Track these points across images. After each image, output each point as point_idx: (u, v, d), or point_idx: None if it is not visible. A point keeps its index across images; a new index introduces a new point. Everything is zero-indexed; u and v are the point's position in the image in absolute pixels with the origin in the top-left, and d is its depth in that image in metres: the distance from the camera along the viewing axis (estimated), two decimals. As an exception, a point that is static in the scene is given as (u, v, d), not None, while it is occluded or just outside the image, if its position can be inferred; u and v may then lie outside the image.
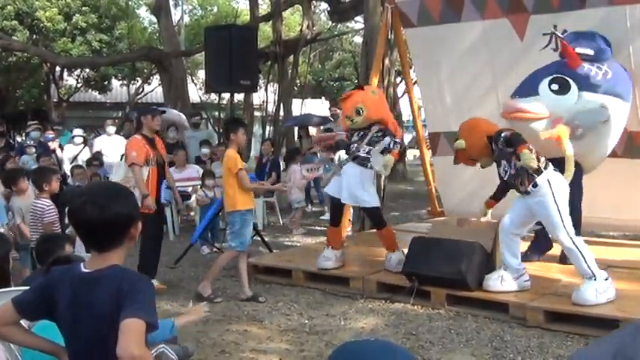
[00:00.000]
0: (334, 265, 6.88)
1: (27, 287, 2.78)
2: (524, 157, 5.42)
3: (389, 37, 9.14)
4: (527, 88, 6.31)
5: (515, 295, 5.73)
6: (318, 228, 10.67)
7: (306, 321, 5.75)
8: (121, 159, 10.40)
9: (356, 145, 6.67)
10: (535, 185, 5.54)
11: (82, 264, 2.43)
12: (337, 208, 7.00)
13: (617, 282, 5.87)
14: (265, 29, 23.72)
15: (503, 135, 5.68)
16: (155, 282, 6.70)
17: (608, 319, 5.04)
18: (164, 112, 8.27)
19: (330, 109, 18.64)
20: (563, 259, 6.67)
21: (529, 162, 5.40)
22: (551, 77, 6.26)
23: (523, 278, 5.85)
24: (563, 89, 6.20)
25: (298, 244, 9.25)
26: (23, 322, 2.58)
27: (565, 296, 5.63)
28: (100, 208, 2.31)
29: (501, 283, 5.80)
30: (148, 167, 6.75)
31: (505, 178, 5.87)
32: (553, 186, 5.49)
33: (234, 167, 6.37)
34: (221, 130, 16.95)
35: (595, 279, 5.36)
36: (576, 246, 5.43)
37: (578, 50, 6.32)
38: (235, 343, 5.23)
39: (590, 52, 6.38)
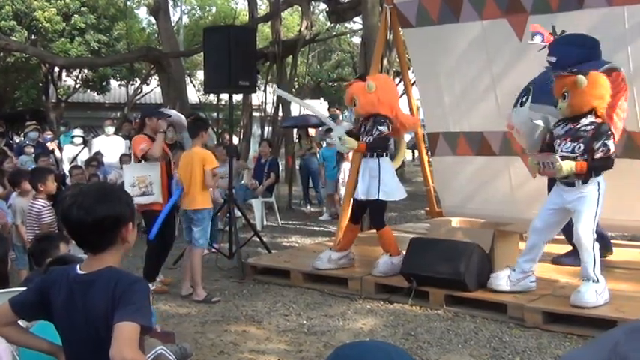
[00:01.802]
0: (324, 265, 6.87)
1: (25, 287, 2.79)
2: (567, 170, 5.32)
3: (387, 37, 9.14)
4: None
5: (514, 296, 5.73)
6: (317, 229, 10.67)
7: (305, 321, 5.75)
8: (120, 161, 10.45)
9: (361, 137, 6.74)
10: (585, 182, 5.43)
11: (77, 265, 2.43)
12: (357, 206, 6.92)
13: (616, 282, 5.89)
14: (264, 30, 23.71)
15: (608, 129, 5.42)
16: (158, 283, 6.71)
17: (606, 319, 5.04)
18: (170, 116, 8.35)
19: (329, 109, 18.65)
20: (556, 259, 6.68)
21: (563, 172, 5.33)
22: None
23: (529, 279, 5.84)
24: None
25: (296, 245, 9.25)
26: (22, 323, 2.58)
27: (563, 297, 5.63)
28: (86, 211, 2.32)
29: (507, 282, 5.79)
30: (157, 163, 6.81)
31: (560, 153, 5.52)
32: (601, 190, 5.43)
33: (211, 164, 6.64)
34: (219, 131, 17.00)
35: (593, 280, 5.37)
36: (593, 249, 5.41)
37: None
38: (234, 343, 5.22)
39: None
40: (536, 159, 5.62)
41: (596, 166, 5.39)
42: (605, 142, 5.34)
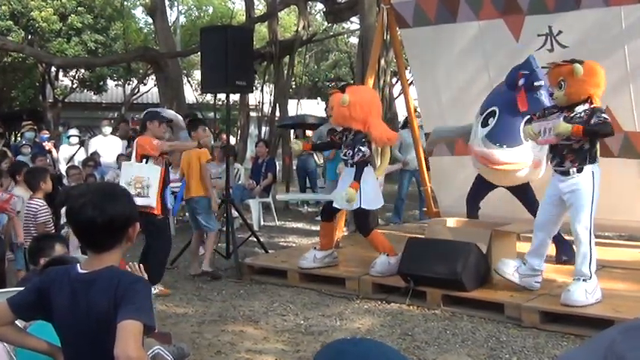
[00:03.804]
0: (309, 265, 6.90)
1: (22, 288, 2.78)
2: (565, 129, 5.24)
3: (385, 37, 9.14)
4: (513, 137, 6.28)
5: (511, 296, 5.73)
6: (314, 228, 10.66)
7: (302, 321, 5.75)
8: (117, 160, 10.43)
9: (342, 147, 6.83)
10: (580, 170, 5.41)
11: (78, 265, 2.43)
12: (329, 204, 6.99)
13: (613, 282, 5.91)
14: (261, 30, 23.70)
15: (601, 109, 5.43)
16: (160, 286, 6.67)
17: (603, 319, 5.04)
18: (171, 120, 8.41)
19: (325, 109, 18.65)
20: (559, 258, 6.69)
21: (561, 130, 5.25)
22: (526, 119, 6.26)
23: (535, 279, 5.81)
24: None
25: (294, 245, 9.25)
26: (19, 323, 2.57)
27: (560, 297, 5.65)
28: (100, 210, 2.32)
29: (513, 273, 5.77)
30: (159, 166, 6.70)
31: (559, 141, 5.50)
32: (595, 180, 5.40)
33: (205, 158, 7.55)
34: (216, 132, 16.97)
35: (586, 280, 5.37)
36: (590, 244, 5.39)
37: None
38: (231, 343, 5.22)
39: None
40: (539, 125, 5.51)
41: (594, 130, 5.32)
42: (599, 114, 5.33)
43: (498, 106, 6.43)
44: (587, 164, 5.41)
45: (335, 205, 6.75)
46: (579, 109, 5.46)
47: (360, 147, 6.56)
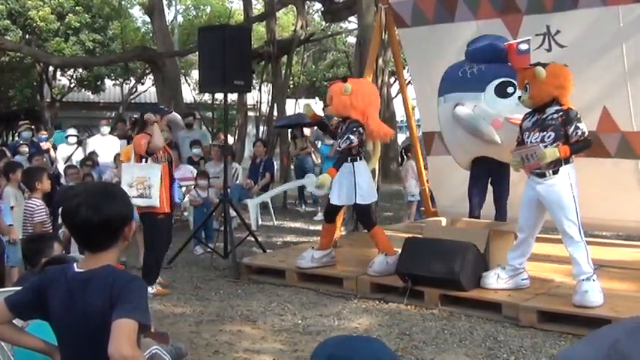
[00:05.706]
0: (307, 265, 6.88)
1: (19, 287, 2.78)
2: (552, 155, 5.32)
3: (383, 37, 9.15)
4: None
5: (509, 295, 5.73)
6: (312, 228, 10.66)
7: (300, 321, 5.75)
8: (114, 160, 10.42)
9: (337, 137, 6.83)
10: (556, 172, 5.44)
11: (75, 264, 2.43)
12: (332, 206, 6.96)
13: (610, 282, 5.90)
14: (259, 29, 23.70)
15: (576, 114, 5.47)
16: (158, 286, 6.66)
17: (601, 319, 5.04)
18: (171, 112, 8.23)
19: (323, 109, 18.66)
20: None
21: (548, 158, 5.33)
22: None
23: (521, 277, 5.85)
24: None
25: (292, 244, 9.24)
26: (17, 322, 2.57)
27: (558, 296, 5.65)
28: (95, 210, 2.32)
29: (497, 280, 5.81)
30: (159, 164, 6.61)
31: (530, 144, 5.58)
32: (572, 179, 5.45)
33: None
34: (214, 130, 16.98)
35: (593, 279, 5.36)
36: (582, 240, 5.41)
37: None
38: (229, 343, 5.22)
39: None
40: (519, 153, 5.61)
41: (579, 148, 5.47)
42: (577, 125, 5.41)
43: (509, 77, 6.44)
44: (563, 165, 5.45)
45: (308, 187, 6.75)
46: (549, 110, 5.53)
47: (350, 135, 6.51)
